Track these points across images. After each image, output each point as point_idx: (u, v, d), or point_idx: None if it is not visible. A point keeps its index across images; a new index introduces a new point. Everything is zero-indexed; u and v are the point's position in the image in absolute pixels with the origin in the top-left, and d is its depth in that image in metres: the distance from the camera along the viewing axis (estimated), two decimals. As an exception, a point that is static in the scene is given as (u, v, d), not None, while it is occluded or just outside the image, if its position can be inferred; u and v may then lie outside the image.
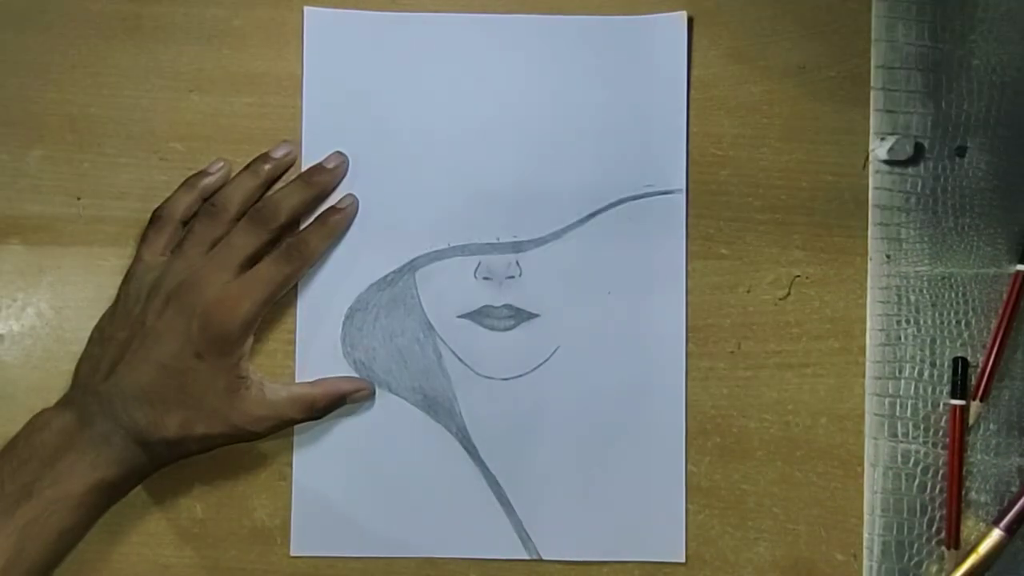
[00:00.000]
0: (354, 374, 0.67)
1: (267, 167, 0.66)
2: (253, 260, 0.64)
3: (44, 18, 0.68)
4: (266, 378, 0.65)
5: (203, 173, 0.66)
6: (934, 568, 0.66)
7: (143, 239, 0.65)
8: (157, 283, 0.63)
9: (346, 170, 0.67)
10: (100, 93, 0.68)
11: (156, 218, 0.66)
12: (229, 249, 0.64)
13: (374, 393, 0.67)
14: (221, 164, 0.67)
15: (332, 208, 0.66)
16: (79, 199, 0.67)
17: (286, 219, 0.65)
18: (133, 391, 0.61)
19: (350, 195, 0.67)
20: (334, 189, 0.67)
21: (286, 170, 0.67)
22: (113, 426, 0.61)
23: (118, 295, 0.65)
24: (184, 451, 0.63)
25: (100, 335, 0.65)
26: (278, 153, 0.67)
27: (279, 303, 0.66)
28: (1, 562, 0.58)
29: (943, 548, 0.66)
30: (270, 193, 0.66)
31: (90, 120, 0.68)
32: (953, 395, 0.66)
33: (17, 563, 0.58)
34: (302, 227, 0.66)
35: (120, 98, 0.68)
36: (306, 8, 0.68)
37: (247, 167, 0.67)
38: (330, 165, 0.67)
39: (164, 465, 0.63)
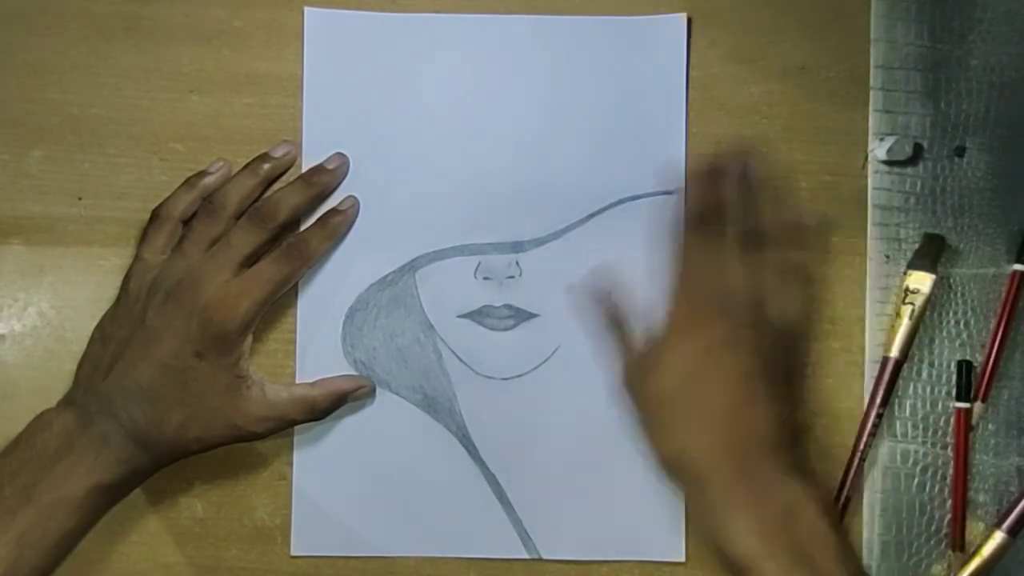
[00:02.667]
0: (354, 374, 0.67)
1: (266, 166, 0.66)
2: (252, 259, 0.64)
3: (45, 18, 0.68)
4: (267, 379, 0.65)
5: (203, 173, 0.66)
6: (935, 569, 0.66)
7: (143, 238, 0.65)
8: (156, 282, 0.63)
9: (347, 171, 0.67)
10: (101, 93, 0.68)
11: (155, 217, 0.66)
12: (228, 248, 0.64)
13: (375, 391, 0.67)
14: (221, 164, 0.67)
15: (333, 210, 0.66)
16: (80, 199, 0.67)
17: (285, 218, 0.65)
18: (133, 390, 0.61)
19: (351, 197, 0.67)
20: (335, 190, 0.67)
21: (286, 170, 0.67)
22: (113, 426, 0.61)
23: (119, 294, 0.65)
24: (184, 450, 0.63)
25: (101, 334, 0.65)
26: (278, 152, 0.67)
27: (279, 303, 0.66)
28: (1, 569, 0.58)
29: (943, 548, 0.66)
30: (270, 192, 0.66)
31: (91, 120, 0.68)
32: (958, 398, 0.66)
33: (16, 569, 0.58)
34: (302, 228, 0.66)
35: (121, 98, 0.68)
36: (306, 8, 0.68)
37: (246, 166, 0.66)
38: (331, 166, 0.67)
39: (165, 464, 0.63)
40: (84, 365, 0.64)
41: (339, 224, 0.66)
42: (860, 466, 0.66)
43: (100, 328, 0.65)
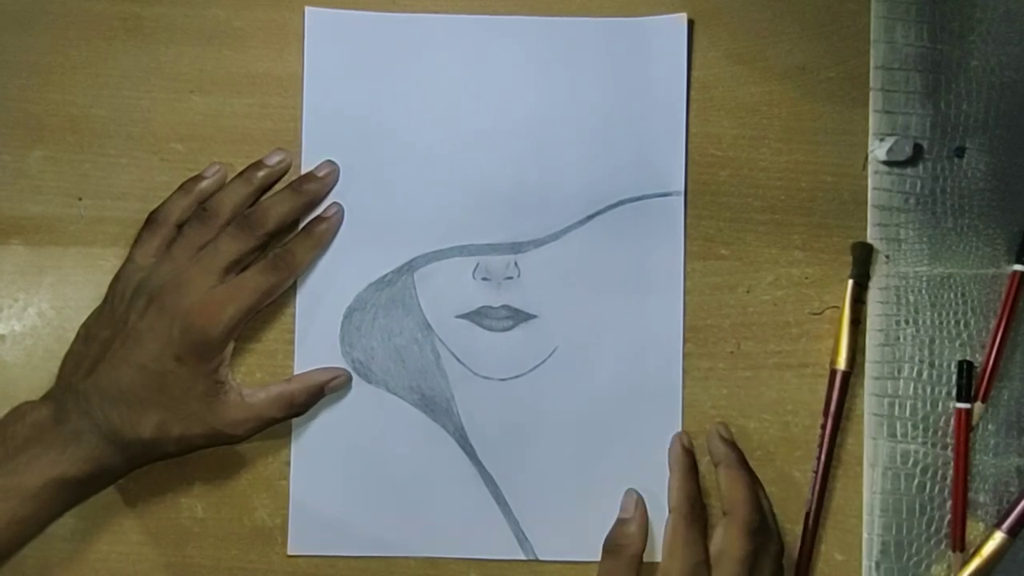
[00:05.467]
0: (353, 373, 0.67)
1: (260, 174, 0.66)
2: (239, 266, 0.65)
3: (45, 19, 0.68)
4: (243, 386, 0.65)
5: (199, 177, 0.67)
6: (935, 569, 0.66)
7: (136, 240, 0.66)
8: (142, 284, 0.64)
9: (336, 178, 0.67)
10: (101, 94, 0.68)
11: (151, 221, 0.66)
12: (215, 254, 0.64)
13: (351, 380, 0.67)
14: (217, 168, 0.67)
15: (317, 218, 0.67)
16: (80, 199, 0.68)
17: (274, 226, 0.65)
18: (112, 390, 0.62)
19: (335, 204, 0.67)
20: (324, 197, 0.67)
21: (280, 177, 0.67)
22: (87, 424, 0.61)
23: (106, 294, 0.65)
24: (161, 452, 0.63)
25: (86, 332, 0.65)
26: (272, 160, 0.67)
27: (278, 303, 0.66)
28: None
29: (943, 548, 0.66)
30: (261, 200, 0.67)
31: (91, 121, 0.68)
32: (959, 398, 0.66)
33: None
34: (290, 236, 0.67)
35: (121, 99, 0.68)
36: (307, 9, 0.68)
37: (241, 174, 0.67)
38: (320, 173, 0.67)
39: (140, 465, 0.63)
40: (67, 362, 0.64)
41: (324, 232, 0.67)
42: (825, 474, 0.66)
43: (85, 327, 0.65)
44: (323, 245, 0.67)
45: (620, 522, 0.65)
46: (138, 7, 0.68)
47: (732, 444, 0.66)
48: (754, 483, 0.64)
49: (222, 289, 0.63)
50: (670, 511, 0.64)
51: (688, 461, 0.66)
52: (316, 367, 0.67)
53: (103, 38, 0.68)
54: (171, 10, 0.68)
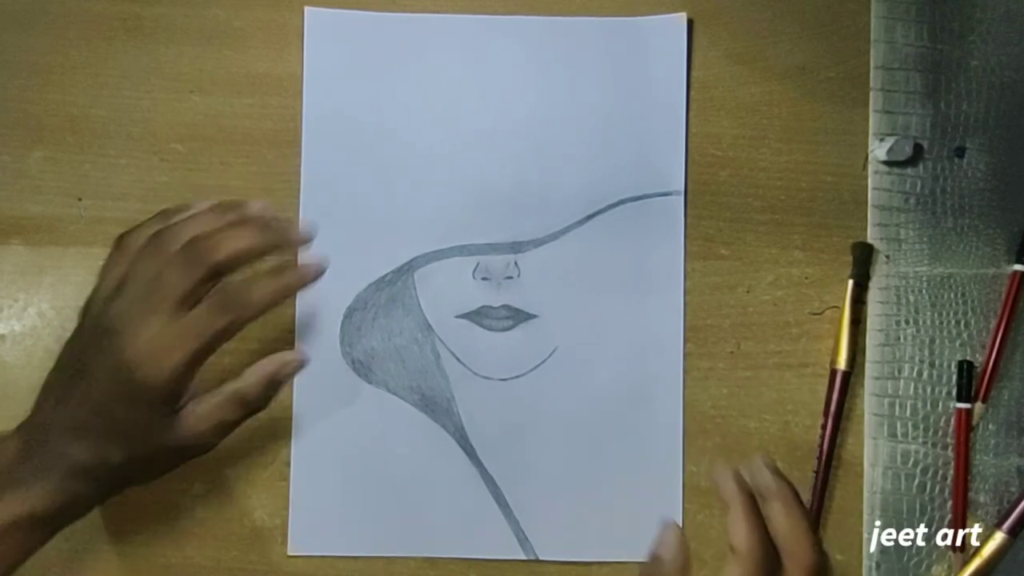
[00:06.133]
0: (353, 373, 0.67)
1: (231, 215, 0.60)
2: (194, 299, 0.58)
3: (45, 19, 0.68)
4: (198, 393, 0.60)
5: (181, 208, 0.62)
6: (935, 569, 0.66)
7: (104, 264, 0.61)
8: (99, 318, 0.59)
9: (311, 238, 0.62)
10: (101, 94, 0.68)
11: (117, 245, 0.61)
12: (159, 287, 0.57)
13: (304, 363, 0.62)
14: (209, 204, 0.62)
15: (290, 262, 0.63)
16: (80, 200, 0.68)
17: (224, 259, 0.58)
18: (73, 424, 0.58)
19: (316, 259, 0.62)
20: (291, 249, 0.64)
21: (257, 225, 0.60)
22: (53, 459, 0.57)
23: (78, 320, 0.61)
24: (135, 480, 0.60)
25: (59, 360, 0.61)
26: (253, 208, 0.62)
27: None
28: None
29: (943, 548, 0.66)
30: (216, 227, 0.59)
31: (91, 121, 0.68)
32: (959, 398, 0.66)
33: None
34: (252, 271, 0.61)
35: (121, 99, 0.68)
36: (306, 9, 0.68)
37: (213, 206, 0.62)
38: (296, 223, 0.65)
39: (113, 494, 0.60)
40: (43, 390, 0.60)
41: (293, 280, 0.61)
42: (825, 474, 0.67)
43: (60, 353, 0.61)
44: (287, 295, 0.61)
45: (657, 560, 0.56)
46: (138, 7, 0.68)
47: (784, 476, 0.56)
48: (810, 520, 0.57)
49: (170, 330, 0.57)
50: (735, 553, 0.54)
51: (751, 500, 0.55)
52: (318, 368, 0.65)
53: (103, 38, 0.68)
54: (171, 10, 0.68)
